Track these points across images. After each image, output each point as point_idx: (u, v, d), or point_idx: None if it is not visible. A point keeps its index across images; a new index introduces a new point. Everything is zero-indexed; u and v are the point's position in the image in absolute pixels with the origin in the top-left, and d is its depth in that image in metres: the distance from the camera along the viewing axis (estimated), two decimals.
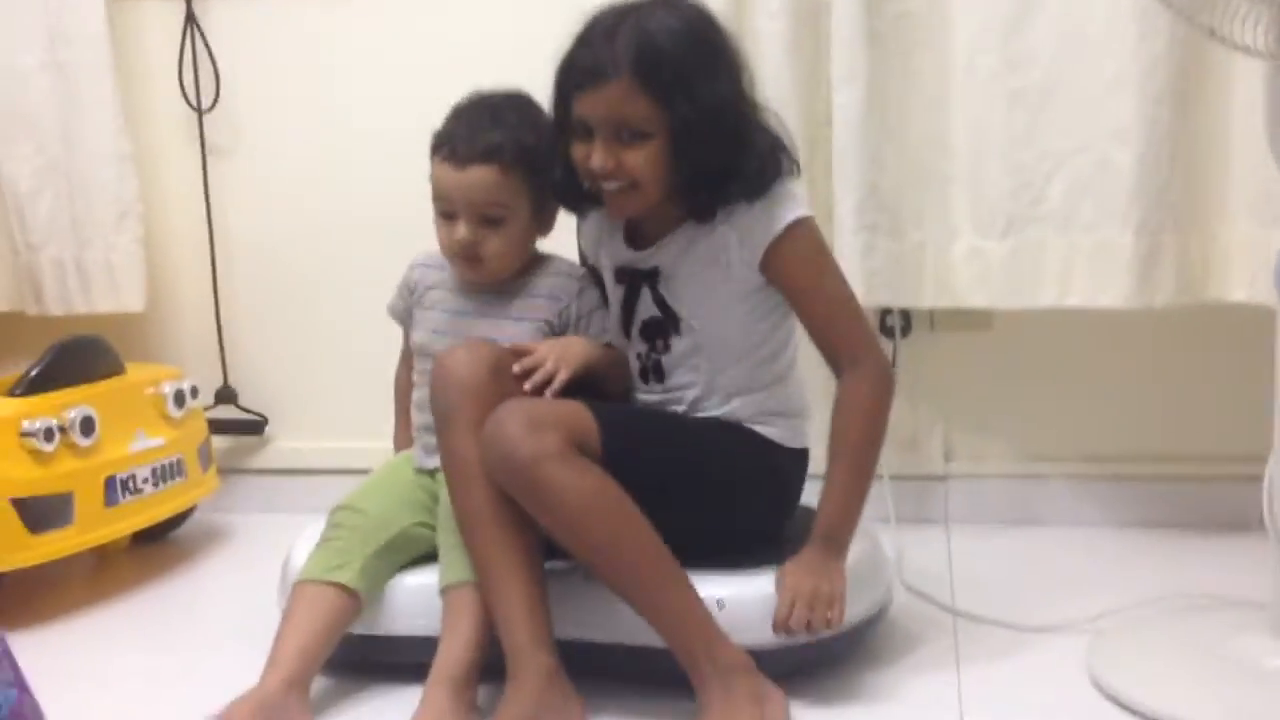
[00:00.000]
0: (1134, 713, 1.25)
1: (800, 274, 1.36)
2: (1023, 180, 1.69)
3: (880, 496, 1.85)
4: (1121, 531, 1.86)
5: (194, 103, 2.07)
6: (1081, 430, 1.91)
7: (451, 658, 1.29)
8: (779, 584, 1.30)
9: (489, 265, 1.44)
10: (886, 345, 1.88)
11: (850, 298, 1.39)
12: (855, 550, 1.41)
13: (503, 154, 1.39)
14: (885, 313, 1.88)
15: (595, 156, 1.31)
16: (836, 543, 1.34)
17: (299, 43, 2.07)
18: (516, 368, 1.33)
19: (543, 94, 1.40)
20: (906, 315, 1.89)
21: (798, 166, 1.40)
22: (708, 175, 1.33)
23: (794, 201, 1.36)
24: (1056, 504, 1.91)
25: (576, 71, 1.31)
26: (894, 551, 1.60)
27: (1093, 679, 1.32)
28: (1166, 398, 1.87)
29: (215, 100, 2.09)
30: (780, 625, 1.27)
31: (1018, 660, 1.41)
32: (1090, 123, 1.65)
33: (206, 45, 2.07)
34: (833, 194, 1.74)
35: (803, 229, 1.35)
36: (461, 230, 1.41)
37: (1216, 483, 1.83)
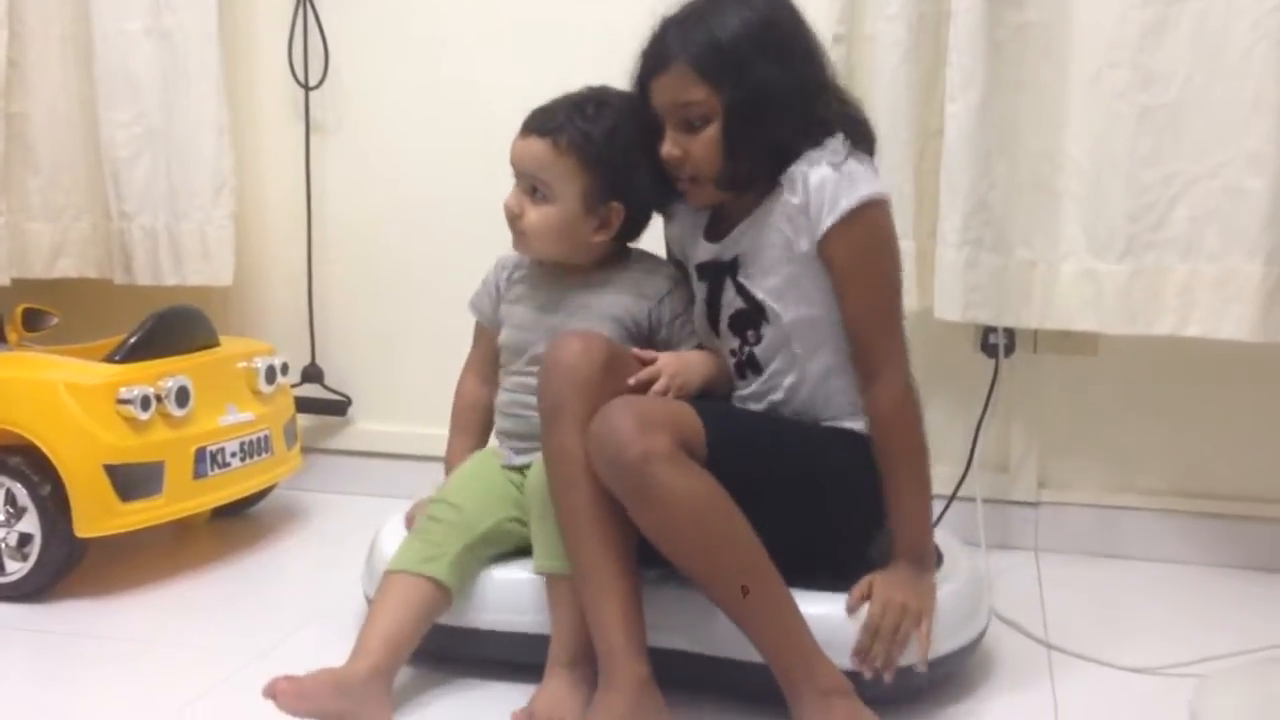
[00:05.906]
0: None
1: (850, 262, 1.30)
2: (1146, 202, 1.63)
3: (971, 521, 1.81)
4: (1213, 571, 1.80)
5: (301, 79, 2.08)
6: (1178, 464, 1.85)
7: (564, 640, 1.31)
8: (865, 597, 1.28)
9: (527, 239, 1.44)
10: (988, 365, 1.85)
11: (892, 305, 1.33)
12: (957, 576, 1.39)
13: (560, 134, 1.40)
14: (989, 331, 1.83)
15: (665, 145, 1.32)
16: (923, 560, 1.32)
17: (409, 26, 2.06)
18: (631, 381, 1.31)
19: None
20: (1010, 335, 1.83)
21: (871, 145, 1.36)
22: (760, 155, 1.31)
23: (866, 180, 1.30)
24: (1147, 538, 1.85)
25: (643, 59, 1.34)
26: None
27: None
28: (1269, 437, 1.80)
29: (323, 78, 2.09)
30: (860, 655, 1.26)
31: (1117, 700, 1.36)
32: (1223, 146, 1.59)
33: (318, 23, 2.07)
34: (939, 206, 1.70)
35: (872, 211, 1.29)
36: (510, 195, 1.43)
37: None
